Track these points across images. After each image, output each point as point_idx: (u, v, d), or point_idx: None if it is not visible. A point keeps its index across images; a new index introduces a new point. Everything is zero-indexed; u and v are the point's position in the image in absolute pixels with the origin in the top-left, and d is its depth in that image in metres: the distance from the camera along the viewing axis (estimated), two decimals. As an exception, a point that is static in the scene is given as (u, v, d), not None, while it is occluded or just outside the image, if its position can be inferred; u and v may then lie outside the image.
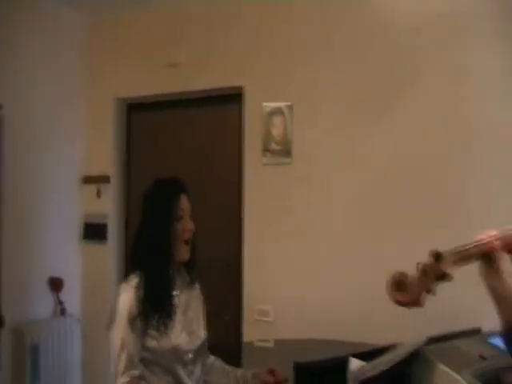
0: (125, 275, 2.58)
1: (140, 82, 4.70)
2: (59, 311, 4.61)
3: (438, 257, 1.60)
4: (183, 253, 2.57)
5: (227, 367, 2.77)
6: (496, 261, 1.54)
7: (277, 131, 4.18)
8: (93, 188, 4.85)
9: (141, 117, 4.92)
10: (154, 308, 2.45)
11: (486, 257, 1.57)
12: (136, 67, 4.72)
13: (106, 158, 4.86)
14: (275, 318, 4.12)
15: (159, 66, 4.60)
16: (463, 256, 1.59)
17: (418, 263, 1.65)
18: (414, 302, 1.64)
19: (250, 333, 4.17)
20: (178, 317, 2.54)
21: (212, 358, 2.79)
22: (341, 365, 2.37)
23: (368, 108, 3.91)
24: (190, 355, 2.55)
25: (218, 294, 4.44)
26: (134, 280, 2.49)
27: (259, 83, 4.25)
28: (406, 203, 3.74)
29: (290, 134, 4.13)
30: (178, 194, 2.58)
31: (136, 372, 2.40)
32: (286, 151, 4.14)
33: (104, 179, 4.81)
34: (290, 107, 4.12)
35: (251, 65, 4.28)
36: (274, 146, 4.19)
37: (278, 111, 4.17)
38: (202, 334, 2.66)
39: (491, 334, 2.49)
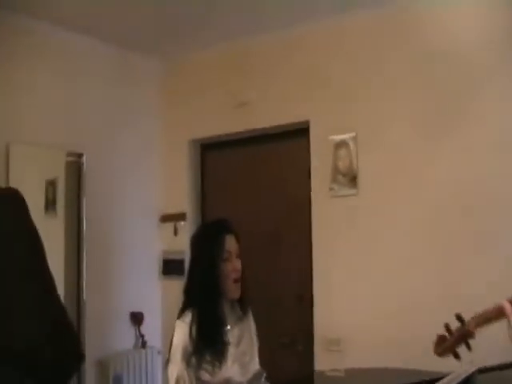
0: (180, 311, 2.72)
1: (212, 122, 4.92)
2: (140, 344, 4.80)
3: (460, 320, 2.01)
4: (233, 291, 2.70)
5: None
6: (508, 320, 1.82)
7: (342, 163, 4.27)
8: (170, 226, 5.07)
9: (214, 156, 5.14)
10: (207, 345, 2.58)
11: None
12: (208, 108, 4.94)
13: (182, 196, 5.08)
14: (346, 348, 4.15)
15: (230, 106, 4.79)
16: (483, 319, 1.95)
17: (445, 324, 2.08)
18: (447, 353, 2.10)
19: (322, 362, 4.21)
20: (231, 350, 2.66)
21: None
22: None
23: (431, 135, 3.95)
24: None
25: (290, 326, 4.53)
26: (187, 317, 2.63)
27: (324, 116, 4.37)
28: (473, 228, 3.74)
29: (355, 164, 4.21)
30: (223, 235, 2.70)
31: None
32: (352, 182, 4.22)
33: (181, 217, 5.03)
34: (355, 138, 4.21)
35: (316, 99, 4.41)
36: (340, 178, 4.28)
37: (342, 143, 4.26)
38: (254, 366, 2.77)
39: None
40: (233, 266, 2.69)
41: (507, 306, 1.74)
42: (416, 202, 3.97)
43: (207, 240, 2.75)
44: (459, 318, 1.99)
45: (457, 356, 2.04)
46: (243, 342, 2.76)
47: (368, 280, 4.11)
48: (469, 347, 2.01)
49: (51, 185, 4.60)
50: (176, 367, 2.57)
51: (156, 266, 5.11)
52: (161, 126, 5.21)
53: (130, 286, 4.85)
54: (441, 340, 2.09)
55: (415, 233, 3.96)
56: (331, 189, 4.30)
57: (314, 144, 4.42)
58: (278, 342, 4.46)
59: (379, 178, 4.13)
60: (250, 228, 4.63)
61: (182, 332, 2.62)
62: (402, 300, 3.93)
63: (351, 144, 4.23)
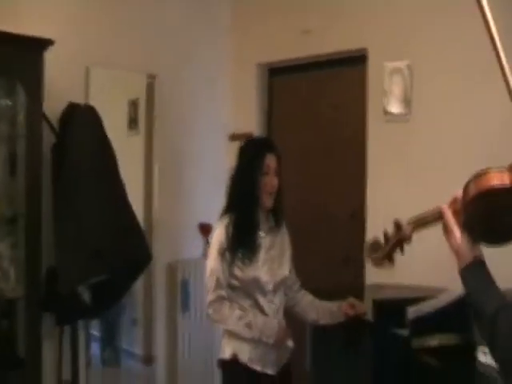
0: (220, 214, 3.09)
1: (279, 47, 5.12)
2: (207, 253, 5.22)
3: (398, 226, 1.92)
4: (266, 201, 3.03)
5: (317, 301, 3.19)
6: (446, 223, 1.77)
7: (398, 89, 4.44)
8: (238, 144, 5.34)
9: (280, 79, 5.37)
10: (240, 244, 2.96)
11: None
12: (275, 34, 5.14)
13: (249, 117, 5.37)
14: (396, 265, 4.37)
15: (295, 32, 4.97)
16: (420, 222, 1.87)
17: (384, 230, 2.00)
18: (383, 261, 2.03)
19: (373, 278, 4.45)
20: (262, 254, 3.01)
21: (302, 292, 3.22)
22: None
23: (488, 69, 4.00)
24: (271, 287, 3.01)
25: (344, 242, 4.81)
26: (226, 219, 3.01)
27: (382, 44, 4.49)
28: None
29: (409, 92, 4.36)
30: (264, 152, 3.02)
31: (222, 292, 2.93)
32: (406, 108, 4.37)
33: (248, 136, 5.30)
34: (410, 66, 4.32)
35: (374, 26, 4.52)
36: (394, 104, 4.45)
37: (397, 70, 4.40)
38: (283, 271, 3.11)
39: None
40: (269, 181, 3.02)
41: (446, 210, 1.72)
42: (467, 132, 4.06)
43: (250, 154, 3.11)
44: (397, 224, 1.91)
45: (392, 261, 2.01)
46: (274, 249, 3.11)
47: (418, 202, 4.28)
48: (402, 251, 1.97)
49: (133, 105, 5.03)
50: (212, 260, 3.01)
51: (224, 181, 5.44)
52: (231, 49, 5.46)
53: (200, 198, 5.23)
54: (375, 246, 2.03)
55: (466, 158, 4.06)
56: (386, 113, 4.48)
57: (371, 70, 4.58)
58: (333, 256, 4.78)
59: (432, 106, 4.25)
60: (309, 148, 4.95)
61: (219, 231, 3.03)
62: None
63: (406, 72, 4.37)
